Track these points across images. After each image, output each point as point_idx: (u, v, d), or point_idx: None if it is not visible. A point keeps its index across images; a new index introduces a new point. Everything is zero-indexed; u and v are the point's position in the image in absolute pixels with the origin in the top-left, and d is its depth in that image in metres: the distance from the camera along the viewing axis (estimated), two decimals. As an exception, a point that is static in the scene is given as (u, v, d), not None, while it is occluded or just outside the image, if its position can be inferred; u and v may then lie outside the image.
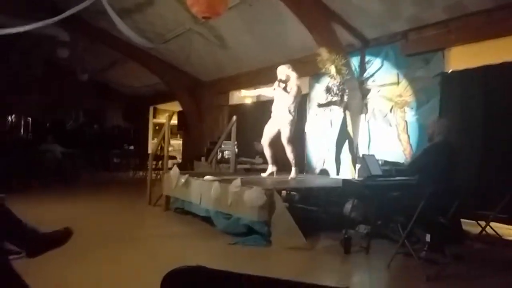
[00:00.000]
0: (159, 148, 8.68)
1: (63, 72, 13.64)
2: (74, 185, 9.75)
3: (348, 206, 5.36)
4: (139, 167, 13.02)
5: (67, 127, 15.23)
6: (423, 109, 6.36)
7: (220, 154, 8.45)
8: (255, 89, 10.11)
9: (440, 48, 6.18)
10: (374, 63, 7.16)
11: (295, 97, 5.75)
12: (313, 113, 8.36)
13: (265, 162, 6.62)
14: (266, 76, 6.27)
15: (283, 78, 5.81)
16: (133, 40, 9.02)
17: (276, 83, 5.81)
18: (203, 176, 5.70)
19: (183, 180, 5.92)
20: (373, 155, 5.27)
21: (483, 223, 4.09)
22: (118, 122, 16.81)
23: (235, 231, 4.76)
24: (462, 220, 4.55)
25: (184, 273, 1.06)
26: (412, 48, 6.52)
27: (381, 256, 4.07)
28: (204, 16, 5.70)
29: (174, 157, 11.87)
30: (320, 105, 7.41)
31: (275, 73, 5.91)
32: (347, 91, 6.90)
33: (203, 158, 9.13)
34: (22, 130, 13.92)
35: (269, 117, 6.07)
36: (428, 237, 4.07)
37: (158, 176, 8.85)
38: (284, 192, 6.28)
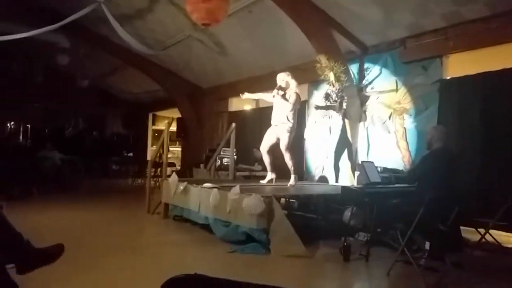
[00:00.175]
0: (158, 155, 8.67)
1: (63, 79, 13.66)
2: (73, 192, 9.72)
3: (347, 214, 5.34)
4: (138, 174, 13.00)
5: (66, 133, 15.23)
6: (422, 116, 6.37)
7: (219, 161, 8.44)
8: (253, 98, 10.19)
9: (438, 55, 6.21)
10: (373, 70, 7.19)
11: (294, 104, 5.75)
12: (312, 120, 8.37)
13: (264, 169, 6.61)
14: (266, 83, 6.29)
15: (283, 85, 5.82)
16: (133, 46, 9.06)
17: (275, 90, 5.81)
18: (202, 184, 5.69)
19: (182, 188, 5.90)
20: (372, 162, 5.27)
21: (482, 230, 4.08)
22: (118, 129, 16.82)
23: (234, 238, 4.74)
24: (461, 227, 4.54)
25: (183, 281, 1.06)
26: (411, 55, 6.54)
27: (380, 264, 4.05)
28: (203, 23, 5.73)
29: (173, 164, 11.85)
30: (317, 107, 7.40)
31: (275, 79, 5.92)
32: (346, 98, 6.91)
33: (202, 165, 9.11)
34: (21, 137, 13.92)
35: (268, 124, 6.07)
36: (427, 245, 4.06)
37: (157, 184, 8.83)
38: (283, 200, 6.27)
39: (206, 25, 5.92)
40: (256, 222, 4.49)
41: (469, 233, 4.61)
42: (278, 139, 5.85)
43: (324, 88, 7.30)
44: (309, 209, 6.45)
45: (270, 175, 6.18)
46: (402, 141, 6.64)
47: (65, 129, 15.28)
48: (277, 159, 6.15)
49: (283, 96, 5.77)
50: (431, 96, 6.22)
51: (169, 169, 8.24)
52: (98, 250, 4.40)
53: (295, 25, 6.61)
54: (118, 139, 16.35)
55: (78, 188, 10.38)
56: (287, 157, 5.86)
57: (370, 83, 7.23)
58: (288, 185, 5.95)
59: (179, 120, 13.19)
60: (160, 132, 14.16)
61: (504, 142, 5.24)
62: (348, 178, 7.25)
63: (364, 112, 7.25)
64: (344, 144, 7.41)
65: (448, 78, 6.11)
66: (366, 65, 7.32)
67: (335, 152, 7.58)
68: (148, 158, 13.83)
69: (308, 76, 7.59)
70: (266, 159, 6.11)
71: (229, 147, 7.64)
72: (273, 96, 5.91)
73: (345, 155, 7.41)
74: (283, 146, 5.80)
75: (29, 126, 14.13)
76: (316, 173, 8.17)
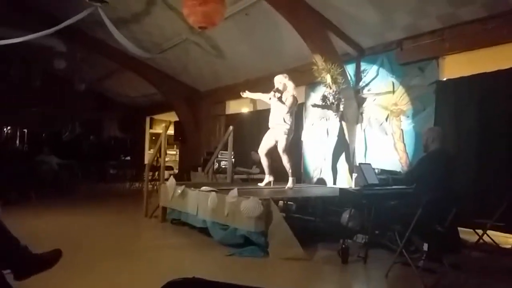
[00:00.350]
0: (156, 158, 8.66)
1: (60, 83, 13.64)
2: (70, 196, 9.70)
3: (345, 216, 5.34)
4: (135, 178, 12.98)
5: (63, 138, 15.19)
6: (419, 117, 6.38)
7: (217, 164, 8.44)
8: (251, 101, 10.20)
9: (434, 56, 6.22)
10: (370, 72, 7.20)
11: (290, 107, 5.76)
12: (309, 122, 8.38)
13: (262, 172, 6.61)
14: (263, 86, 6.29)
15: (280, 87, 5.83)
16: (130, 50, 9.06)
17: (272, 92, 5.82)
18: (199, 187, 5.68)
19: (179, 191, 5.89)
20: (369, 164, 5.28)
21: (480, 231, 4.09)
22: (115, 133, 16.79)
23: (232, 242, 4.73)
24: (459, 228, 4.54)
25: (181, 285, 1.05)
26: (407, 57, 6.56)
27: (379, 266, 4.06)
28: (200, 26, 5.73)
29: (170, 168, 11.84)
30: (314, 105, 7.41)
31: (272, 82, 5.93)
32: (342, 100, 6.92)
33: (199, 169, 9.11)
34: (18, 142, 13.89)
35: (266, 126, 6.08)
36: (425, 246, 4.07)
37: (155, 187, 8.82)
38: (281, 202, 6.27)
39: (203, 28, 5.93)
40: (254, 225, 4.49)
41: (467, 234, 4.61)
42: (277, 142, 5.86)
43: (321, 90, 7.32)
44: (307, 211, 6.45)
45: (268, 178, 6.18)
46: (399, 143, 6.65)
47: (62, 133, 15.24)
48: (275, 161, 6.15)
49: (280, 99, 5.78)
50: (428, 97, 6.23)
51: (166, 173, 8.25)
52: (96, 254, 4.38)
53: (291, 28, 6.62)
54: (116, 143, 16.33)
55: (76, 192, 10.36)
56: (284, 160, 5.86)
57: (367, 85, 7.24)
58: (286, 187, 5.95)
59: (176, 124, 13.18)
60: (157, 135, 14.18)
61: (500, 143, 5.26)
62: (345, 180, 7.26)
63: (361, 114, 7.26)
64: (342, 146, 7.42)
65: (445, 79, 6.13)
66: (362, 67, 7.33)
67: (333, 154, 7.59)
68: (146, 161, 13.80)
69: (305, 78, 7.61)
70: (264, 162, 6.12)
71: (226, 150, 7.64)
72: (270, 99, 5.92)
73: (342, 157, 7.42)
74: (280, 148, 5.80)
75: (26, 130, 14.10)
76: (314, 175, 8.17)
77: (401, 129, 6.64)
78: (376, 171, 5.46)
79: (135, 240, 5.57)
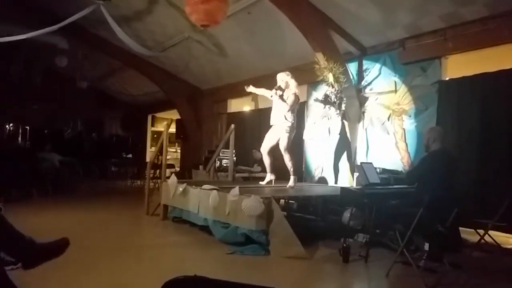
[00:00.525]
0: (157, 156, 8.67)
1: (62, 80, 13.66)
2: (72, 194, 9.71)
3: (346, 215, 5.35)
4: (137, 176, 12.99)
5: (65, 135, 15.21)
6: (421, 117, 6.38)
7: (219, 162, 8.44)
8: (252, 99, 10.20)
9: (437, 56, 6.21)
10: (372, 71, 7.19)
11: (292, 105, 5.75)
12: (311, 121, 8.38)
13: (264, 170, 6.61)
14: (265, 84, 6.28)
15: (282, 85, 5.82)
16: (132, 48, 9.05)
17: (274, 90, 5.82)
18: (201, 185, 5.69)
19: (181, 189, 5.90)
20: (371, 163, 5.27)
21: (481, 231, 4.08)
22: (116, 131, 16.81)
23: (233, 240, 4.74)
24: (460, 228, 4.54)
25: (182, 283, 1.06)
26: (410, 56, 6.55)
27: (380, 265, 4.06)
28: (202, 24, 5.72)
29: (172, 166, 11.85)
30: (316, 100, 7.39)
31: (274, 80, 5.92)
32: (344, 99, 6.92)
33: (201, 167, 9.11)
34: (20, 139, 13.90)
35: (268, 125, 6.07)
36: (426, 246, 4.06)
37: (156, 185, 8.82)
38: (282, 201, 6.27)
39: (205, 27, 5.92)
40: (255, 223, 4.49)
41: (468, 234, 4.61)
42: (279, 139, 5.85)
43: (323, 89, 7.31)
44: (308, 210, 6.45)
45: (269, 176, 6.18)
46: (401, 142, 6.64)
47: (64, 131, 15.26)
48: (276, 160, 6.15)
49: (281, 97, 5.77)
50: (430, 97, 6.22)
51: (168, 171, 8.25)
52: (97, 252, 4.39)
53: (294, 26, 6.62)
54: (117, 141, 16.35)
55: (77, 190, 10.37)
56: (286, 158, 5.86)
57: (369, 84, 7.23)
58: (288, 186, 5.95)
59: (178, 122, 13.19)
60: (159, 133, 14.16)
61: (501, 142, 5.25)
62: (347, 179, 7.25)
63: (363, 113, 7.25)
64: (343, 145, 7.41)
65: (447, 79, 6.12)
66: (365, 66, 7.33)
67: (335, 153, 7.58)
68: (147, 159, 13.82)
69: (307, 77, 7.59)
70: (267, 160, 6.11)
71: (228, 148, 7.64)
72: (271, 96, 5.92)
73: (344, 156, 7.42)
74: (282, 146, 5.80)
75: (28, 128, 14.12)
76: (315, 174, 8.17)
77: (403, 129, 6.63)
78: (378, 170, 5.46)
79: (137, 238, 5.57)
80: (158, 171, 9.50)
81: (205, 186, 5.52)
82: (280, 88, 5.80)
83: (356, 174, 6.71)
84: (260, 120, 9.00)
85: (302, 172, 8.21)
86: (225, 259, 4.32)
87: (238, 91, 10.22)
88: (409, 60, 6.55)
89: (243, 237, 4.63)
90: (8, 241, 2.35)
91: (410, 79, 6.58)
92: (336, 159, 7.56)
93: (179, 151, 14.94)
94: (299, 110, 6.31)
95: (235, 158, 7.75)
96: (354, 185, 6.54)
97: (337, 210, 5.79)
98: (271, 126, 6.01)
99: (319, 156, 8.12)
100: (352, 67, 7.40)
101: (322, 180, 7.76)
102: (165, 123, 8.30)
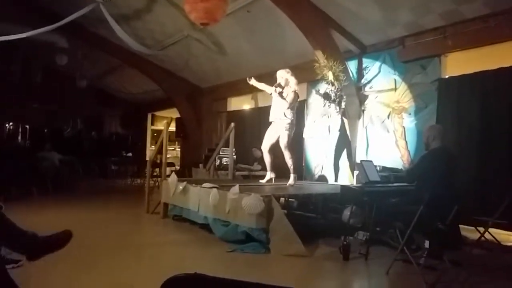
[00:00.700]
0: (157, 155, 8.67)
1: (61, 79, 13.65)
2: (72, 192, 9.72)
3: (346, 213, 5.35)
4: (137, 174, 13.00)
5: (65, 134, 15.21)
6: (421, 114, 6.37)
7: (219, 161, 8.44)
8: (252, 98, 10.20)
9: (437, 54, 6.21)
10: (372, 69, 7.19)
11: (291, 102, 5.74)
12: (311, 119, 8.38)
13: (264, 168, 6.61)
14: (265, 82, 6.28)
15: (282, 82, 5.82)
16: (131, 46, 9.05)
17: (273, 87, 5.82)
18: (201, 183, 5.69)
19: (181, 187, 5.91)
20: (371, 161, 5.27)
21: (481, 229, 4.09)
22: (116, 129, 16.81)
23: (233, 238, 4.74)
24: (460, 226, 4.55)
25: (182, 281, 1.06)
26: (409, 54, 6.54)
27: (380, 263, 4.07)
28: (202, 23, 5.72)
29: (172, 164, 11.85)
30: (317, 92, 7.38)
31: (274, 79, 5.92)
32: (344, 97, 6.91)
33: (201, 165, 9.11)
34: (20, 138, 13.90)
35: (267, 123, 6.07)
36: (426, 243, 4.07)
37: (156, 184, 8.83)
38: (282, 199, 6.28)
39: (205, 25, 5.91)
40: (255, 221, 4.50)
41: (468, 232, 4.62)
42: (279, 137, 5.85)
43: (323, 87, 7.31)
44: (309, 208, 6.46)
45: (269, 175, 6.18)
46: (401, 140, 6.64)
47: (63, 129, 15.26)
48: (277, 158, 6.15)
49: (281, 94, 5.77)
50: (430, 95, 6.22)
51: (168, 169, 8.25)
52: (98, 250, 4.40)
53: (293, 25, 6.61)
54: (117, 139, 16.35)
55: (77, 188, 10.38)
56: (286, 156, 5.85)
57: (369, 82, 7.23)
58: (288, 184, 5.95)
59: (178, 120, 13.19)
60: (159, 132, 14.18)
61: (501, 140, 5.25)
62: (347, 177, 7.26)
63: (363, 111, 7.25)
64: (343, 143, 7.41)
65: (447, 77, 6.11)
66: (365, 64, 7.32)
67: (335, 151, 7.59)
68: (147, 158, 13.83)
69: (306, 76, 7.58)
70: (267, 158, 6.09)
71: (228, 146, 7.64)
72: (270, 94, 5.92)
73: (344, 154, 7.42)
74: (282, 144, 5.79)
75: (27, 126, 14.12)
76: (315, 172, 8.18)
77: (403, 127, 6.63)
78: (378, 168, 5.46)
79: (137, 236, 5.58)
80: (158, 169, 9.50)
81: (205, 184, 5.52)
82: (279, 85, 5.80)
83: (356, 172, 6.72)
84: (260, 118, 9.00)
85: (302, 170, 8.21)
86: (225, 257, 4.33)
87: (238, 89, 10.25)
88: (409, 58, 6.54)
89: (243, 235, 4.63)
90: (10, 237, 2.36)
91: (410, 77, 6.58)
92: (336, 156, 7.57)
93: (176, 149, 14.94)
94: (299, 108, 6.30)
95: (235, 156, 7.75)
96: (354, 183, 6.54)
97: (337, 208, 5.80)
98: (270, 123, 6.00)
99: (319, 154, 8.12)
100: (352, 65, 7.39)
101: (322, 178, 7.77)
102: (165, 122, 8.30)
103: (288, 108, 5.72)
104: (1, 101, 12.20)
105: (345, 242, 4.27)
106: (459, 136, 5.67)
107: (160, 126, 16.05)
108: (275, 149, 6.01)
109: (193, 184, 5.82)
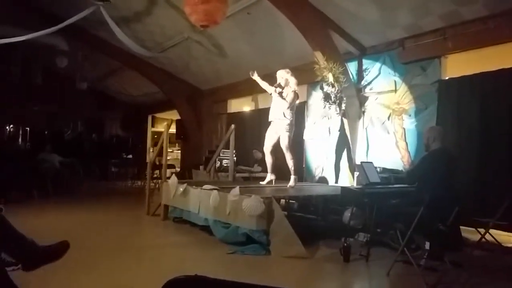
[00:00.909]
0: (157, 157, 8.67)
1: (62, 81, 13.66)
2: (72, 195, 9.72)
3: (347, 214, 5.35)
4: (137, 176, 12.99)
5: (66, 136, 15.21)
6: (421, 116, 6.38)
7: (219, 162, 8.44)
8: (252, 100, 10.20)
9: (437, 55, 6.22)
10: (372, 71, 7.19)
11: (291, 102, 5.74)
12: (311, 121, 8.38)
13: (264, 170, 6.61)
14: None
15: (282, 83, 5.82)
16: (132, 49, 9.06)
17: (273, 87, 5.82)
18: (201, 185, 5.69)
19: (181, 189, 5.90)
20: (371, 163, 5.26)
21: (482, 230, 4.09)
22: (117, 131, 16.81)
23: (233, 240, 4.74)
24: (461, 227, 4.55)
25: (183, 283, 1.06)
26: (409, 56, 6.55)
27: (380, 264, 4.06)
28: (202, 25, 5.72)
29: (172, 166, 11.85)
30: (321, 87, 7.36)
31: (274, 80, 5.92)
32: (344, 98, 6.91)
33: (201, 167, 9.11)
34: (20, 140, 13.91)
35: (267, 125, 6.06)
36: (427, 245, 4.06)
37: (157, 186, 8.83)
38: (283, 201, 6.27)
39: (205, 27, 5.92)
40: (256, 223, 4.49)
41: (469, 233, 4.61)
42: (279, 137, 5.84)
43: (325, 88, 7.29)
44: (309, 210, 6.45)
45: (269, 176, 6.17)
46: (401, 142, 6.64)
47: (64, 131, 15.26)
48: (277, 159, 6.14)
49: (280, 94, 5.78)
50: (430, 96, 6.23)
51: (168, 171, 8.24)
52: (98, 252, 4.39)
53: (293, 27, 6.62)
54: (117, 142, 16.34)
55: (77, 190, 10.37)
56: (288, 157, 5.84)
57: (369, 83, 7.24)
58: (288, 186, 5.94)
59: (178, 122, 13.19)
60: (159, 134, 14.17)
61: (501, 142, 5.25)
62: (347, 179, 7.25)
63: (363, 112, 7.25)
64: (344, 145, 7.41)
65: (447, 78, 6.12)
66: (364, 66, 7.33)
67: (335, 152, 7.59)
68: (148, 160, 13.82)
69: (306, 77, 7.59)
70: (269, 159, 6.07)
71: (228, 148, 7.64)
72: (270, 94, 5.92)
73: (344, 155, 7.42)
74: (283, 145, 5.79)
75: (28, 129, 14.12)
76: (316, 173, 8.17)
77: (403, 128, 6.64)
78: (378, 169, 5.46)
79: (137, 238, 5.58)
80: (158, 171, 9.50)
81: (206, 186, 5.52)
82: (279, 85, 5.80)
83: (356, 174, 6.71)
84: (260, 120, 8.99)
85: (302, 171, 8.21)
86: (226, 259, 4.33)
87: (238, 91, 10.26)
88: (409, 60, 6.55)
89: (244, 237, 4.63)
90: (9, 242, 2.36)
91: (410, 78, 6.58)
92: (337, 157, 7.56)
93: (179, 151, 14.95)
94: (299, 110, 6.29)
95: (235, 158, 7.75)
96: (355, 184, 6.54)
97: (338, 210, 5.79)
98: (270, 122, 6.00)
99: (320, 156, 8.12)
100: (352, 67, 7.40)
101: (323, 180, 7.76)
102: (165, 124, 8.30)
103: (288, 108, 5.72)
104: (1, 103, 12.22)
105: (345, 244, 4.26)
106: (459, 138, 5.67)
107: (160, 128, 16.05)
108: (276, 150, 6.01)
109: (194, 186, 5.82)
